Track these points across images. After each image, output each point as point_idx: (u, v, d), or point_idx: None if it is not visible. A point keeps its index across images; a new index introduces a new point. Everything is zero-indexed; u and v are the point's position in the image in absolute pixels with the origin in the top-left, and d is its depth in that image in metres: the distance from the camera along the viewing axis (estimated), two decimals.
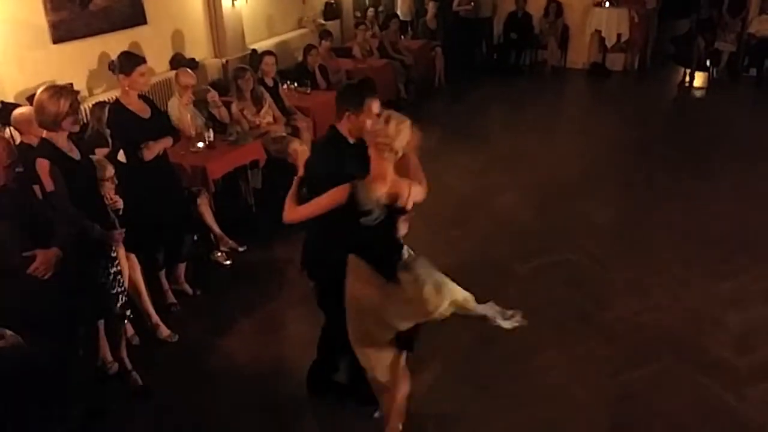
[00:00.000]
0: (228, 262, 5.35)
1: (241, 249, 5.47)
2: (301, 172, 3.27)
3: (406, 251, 3.21)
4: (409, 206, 3.00)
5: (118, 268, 3.88)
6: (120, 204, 4.22)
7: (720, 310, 4.63)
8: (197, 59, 7.64)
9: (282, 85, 7.19)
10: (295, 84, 7.55)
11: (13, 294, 3.11)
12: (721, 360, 4.12)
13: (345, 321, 3.08)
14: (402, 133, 2.88)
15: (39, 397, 2.85)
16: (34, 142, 3.80)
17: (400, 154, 2.92)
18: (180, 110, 5.74)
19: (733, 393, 3.83)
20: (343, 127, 3.24)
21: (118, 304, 3.82)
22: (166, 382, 4.03)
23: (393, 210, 2.98)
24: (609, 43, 11.46)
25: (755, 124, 9.02)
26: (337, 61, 8.62)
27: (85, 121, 5.45)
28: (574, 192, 6.67)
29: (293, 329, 4.61)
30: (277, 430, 3.69)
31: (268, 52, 7.01)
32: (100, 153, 4.69)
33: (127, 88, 4.36)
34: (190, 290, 4.94)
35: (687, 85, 10.81)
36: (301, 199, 3.16)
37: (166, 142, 4.55)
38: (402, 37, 10.49)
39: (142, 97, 4.52)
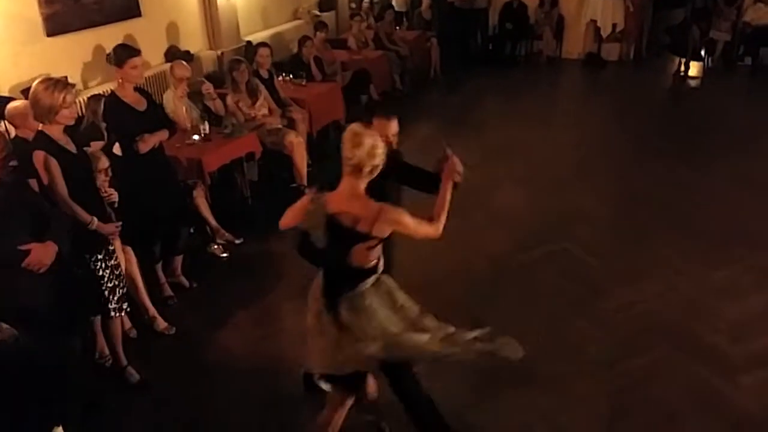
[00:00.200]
0: (224, 255, 5.36)
1: (237, 241, 5.47)
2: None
3: (370, 282, 2.83)
4: (375, 233, 2.69)
5: (116, 261, 3.89)
6: (115, 197, 4.22)
7: (715, 299, 4.65)
8: (192, 51, 7.62)
9: (277, 76, 7.18)
10: (291, 76, 7.53)
11: (9, 288, 3.11)
12: (715, 348, 4.15)
13: None
14: (361, 148, 2.63)
15: (36, 390, 2.86)
16: (29, 136, 3.79)
17: (367, 170, 2.66)
18: (175, 103, 5.74)
19: (728, 381, 3.87)
20: None
21: (116, 297, 3.83)
22: (163, 375, 4.04)
23: (348, 234, 2.70)
24: (604, 33, 11.44)
25: (750, 113, 9.03)
26: (333, 53, 8.60)
27: (80, 113, 5.43)
28: (569, 182, 6.68)
29: (290, 321, 4.61)
30: (274, 422, 3.70)
31: (262, 44, 6.99)
32: (95, 146, 4.68)
33: (121, 81, 4.36)
34: (186, 283, 4.95)
35: (682, 74, 10.80)
36: None
37: (162, 135, 4.55)
38: (397, 28, 10.49)
39: (139, 89, 4.51)
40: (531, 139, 8.00)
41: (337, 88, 7.83)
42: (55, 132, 3.54)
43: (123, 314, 3.99)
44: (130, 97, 4.42)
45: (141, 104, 4.46)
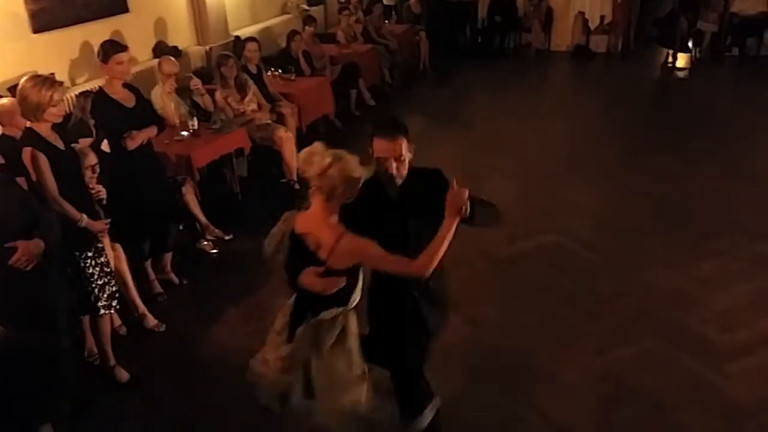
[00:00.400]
0: (214, 251, 5.35)
1: (227, 237, 5.47)
2: None
3: (331, 313, 2.67)
4: (332, 261, 2.54)
5: (105, 258, 3.88)
6: (103, 193, 4.21)
7: (703, 289, 4.69)
8: (180, 47, 7.57)
9: (266, 71, 7.16)
10: (280, 70, 7.51)
11: None
12: (704, 338, 4.19)
13: None
14: (311, 166, 2.51)
15: (26, 389, 2.85)
16: (17, 134, 3.77)
17: (325, 191, 2.52)
18: (163, 99, 5.71)
19: (715, 370, 3.91)
20: None
21: (105, 295, 3.82)
22: (153, 373, 4.04)
23: (309, 258, 2.59)
24: (592, 25, 11.48)
25: (738, 104, 9.09)
26: (321, 47, 8.58)
27: (68, 110, 5.41)
28: (558, 174, 6.71)
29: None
30: (267, 419, 3.70)
31: (250, 39, 6.98)
32: (84, 142, 4.66)
33: (108, 77, 4.34)
34: (176, 280, 4.94)
35: (670, 65, 10.84)
36: None
37: (150, 131, 4.53)
38: (386, 21, 10.45)
39: (127, 85, 4.49)
40: (520, 132, 8.02)
41: (326, 83, 7.83)
42: (43, 129, 3.53)
43: (112, 312, 3.98)
44: (119, 93, 4.40)
45: (129, 100, 4.43)
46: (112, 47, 4.29)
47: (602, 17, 11.38)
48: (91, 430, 3.63)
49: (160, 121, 4.81)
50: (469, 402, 3.69)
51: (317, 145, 2.58)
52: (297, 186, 6.32)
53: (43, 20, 5.97)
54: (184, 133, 5.58)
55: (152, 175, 4.66)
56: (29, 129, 3.52)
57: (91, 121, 4.89)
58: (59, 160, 3.58)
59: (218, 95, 6.26)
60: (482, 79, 10.59)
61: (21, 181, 3.56)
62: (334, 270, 2.55)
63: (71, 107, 5.50)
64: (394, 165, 2.63)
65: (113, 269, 4.05)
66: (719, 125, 8.15)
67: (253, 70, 6.77)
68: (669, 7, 11.13)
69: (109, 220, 3.94)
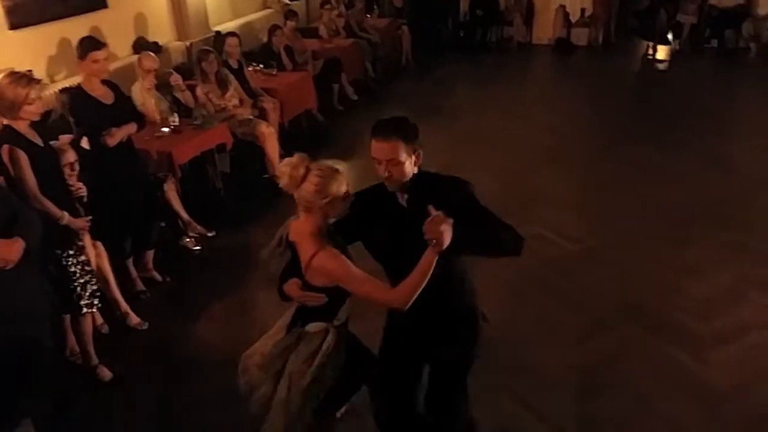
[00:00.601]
0: (197, 248, 5.32)
1: (210, 234, 5.44)
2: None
3: (316, 327, 2.60)
4: (308, 276, 2.48)
5: (86, 257, 3.85)
6: (83, 191, 4.17)
7: (682, 278, 4.75)
8: (160, 43, 7.51)
9: (247, 66, 7.13)
10: (261, 65, 7.49)
11: None
12: (683, 326, 4.24)
13: None
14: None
15: (6, 388, 2.83)
16: None
17: (303, 203, 2.45)
18: (143, 95, 5.66)
19: (695, 358, 3.96)
20: None
21: (87, 294, 3.80)
22: (137, 371, 4.01)
23: (298, 267, 2.54)
24: (573, 18, 11.55)
25: (717, 95, 9.19)
26: (303, 42, 8.55)
27: (48, 108, 5.35)
28: (539, 166, 6.76)
29: (265, 313, 4.59)
30: (252, 417, 3.69)
31: (230, 34, 6.96)
32: (63, 139, 4.62)
33: (86, 74, 4.30)
34: (159, 277, 4.91)
35: (650, 58, 10.94)
36: None
37: (130, 128, 4.51)
38: (368, 15, 10.45)
39: (107, 82, 4.45)
40: (503, 125, 8.05)
41: (309, 77, 7.80)
42: (22, 126, 3.50)
43: (94, 310, 3.96)
44: (97, 90, 4.37)
45: (108, 97, 4.40)
46: (89, 44, 4.25)
47: (583, 10, 11.45)
48: (74, 428, 3.61)
49: (140, 118, 4.78)
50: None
51: (295, 156, 2.46)
52: None
53: (19, 16, 5.89)
54: (165, 129, 5.54)
55: (133, 172, 4.64)
56: (7, 126, 3.49)
57: (72, 118, 4.85)
58: (38, 157, 3.55)
59: (199, 91, 6.22)
60: (464, 73, 10.62)
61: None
62: (311, 285, 2.49)
63: (50, 104, 5.43)
64: (386, 169, 2.42)
65: (94, 267, 4.02)
66: (698, 116, 8.24)
67: (234, 65, 6.74)
68: (649, 0, 11.21)
69: (90, 217, 3.91)
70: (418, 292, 2.35)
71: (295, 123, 7.55)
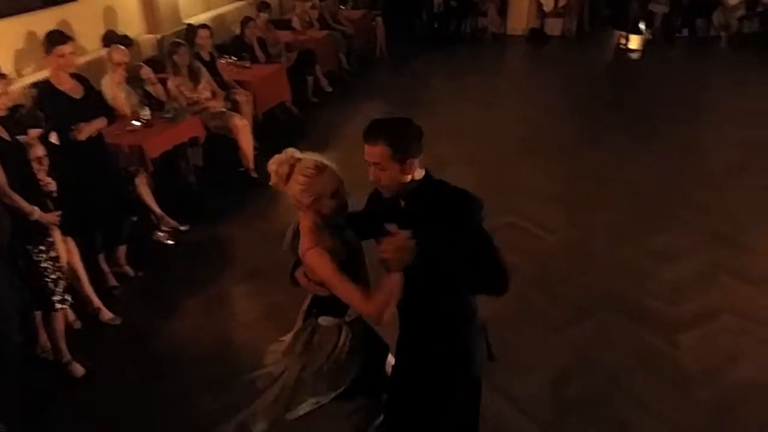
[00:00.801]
0: (170, 242, 5.27)
1: (182, 228, 5.39)
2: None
3: (326, 321, 2.59)
4: (306, 269, 2.49)
5: (56, 252, 3.80)
6: (53, 186, 4.11)
7: (654, 264, 4.82)
8: (131, 36, 7.40)
9: (220, 58, 7.07)
10: (234, 58, 7.42)
11: None
12: (655, 311, 4.30)
13: None
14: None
15: None
16: None
17: (293, 200, 2.44)
18: (114, 89, 5.57)
19: (668, 341, 4.02)
20: None
21: (59, 289, 3.75)
22: (110, 367, 3.97)
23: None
24: (547, 8, 11.62)
25: (689, 84, 9.30)
26: (276, 34, 8.48)
27: (16, 102, 5.25)
28: (516, 157, 6.79)
29: (239, 306, 4.60)
30: (227, 410, 3.67)
31: (201, 26, 6.89)
32: (32, 134, 4.53)
33: (54, 68, 4.24)
34: (131, 272, 4.86)
35: (623, 47, 11.03)
36: None
37: (100, 123, 4.46)
38: (342, 7, 10.40)
39: (76, 76, 4.39)
40: (478, 116, 8.08)
41: (282, 70, 7.75)
42: None
43: (66, 306, 3.91)
44: (66, 84, 4.31)
45: (77, 91, 4.35)
46: (55, 38, 4.19)
47: (556, 1, 11.51)
48: (47, 427, 3.56)
49: (110, 112, 4.74)
50: None
51: (283, 153, 2.44)
52: (255, 175, 6.27)
53: None
54: (136, 123, 5.47)
55: (103, 166, 4.59)
56: None
57: (40, 113, 4.77)
58: (6, 152, 3.51)
59: (170, 84, 6.15)
60: (439, 64, 10.63)
61: None
62: (311, 279, 2.49)
63: (20, 98, 5.33)
64: (373, 172, 2.28)
65: (65, 263, 3.97)
66: (671, 105, 8.34)
67: (206, 57, 6.68)
68: None
69: (61, 212, 3.86)
70: (389, 311, 2.27)
71: (269, 116, 7.50)
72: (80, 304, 4.26)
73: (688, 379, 3.73)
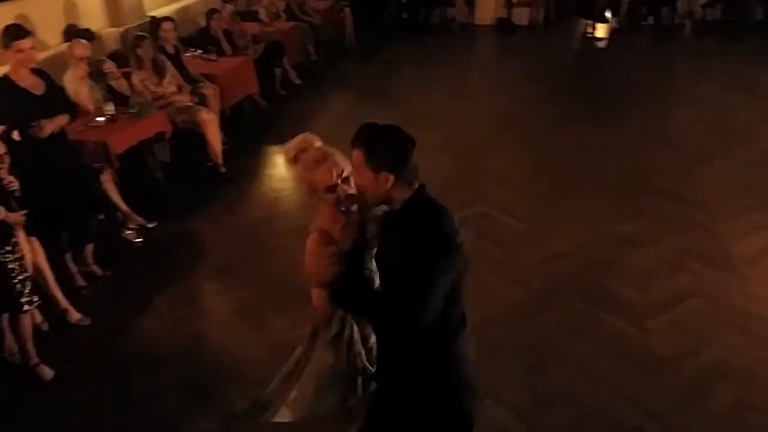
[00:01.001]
0: (138, 240, 5.19)
1: (150, 225, 5.32)
2: None
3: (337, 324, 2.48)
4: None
5: (20, 253, 3.72)
6: (15, 185, 4.01)
7: (623, 251, 4.88)
8: (93, 29, 7.25)
9: (185, 52, 6.96)
10: (200, 51, 7.31)
11: None
12: (624, 297, 4.36)
13: None
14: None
15: None
16: None
17: (309, 189, 2.43)
18: (76, 84, 5.46)
19: (637, 327, 4.08)
20: None
21: (27, 290, 3.67)
22: (80, 368, 3.91)
23: None
24: None
25: (655, 71, 9.42)
26: (243, 25, 8.38)
27: None
28: (485, 146, 6.82)
29: (210, 303, 4.56)
30: (199, 407, 3.64)
31: (166, 18, 6.79)
32: None
33: (13, 63, 4.13)
34: (99, 271, 4.78)
35: (590, 36, 11.12)
36: None
37: (62, 119, 4.37)
38: None
39: (37, 71, 4.28)
40: (447, 106, 8.08)
41: (249, 62, 7.66)
42: None
43: (34, 308, 3.83)
44: (26, 80, 4.20)
45: (38, 87, 4.25)
46: (13, 33, 4.07)
47: None
48: (14, 431, 3.50)
49: (72, 108, 4.63)
50: None
51: (302, 136, 2.45)
52: (223, 169, 6.21)
53: None
54: (100, 118, 5.36)
55: (66, 164, 4.50)
56: None
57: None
58: None
59: (135, 78, 6.05)
60: (408, 54, 10.61)
61: None
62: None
63: None
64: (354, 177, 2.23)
65: (30, 264, 3.89)
66: (637, 92, 8.45)
67: (171, 50, 6.57)
68: None
69: (25, 212, 3.77)
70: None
71: (236, 109, 7.42)
72: (47, 305, 4.17)
73: (657, 363, 3.79)
